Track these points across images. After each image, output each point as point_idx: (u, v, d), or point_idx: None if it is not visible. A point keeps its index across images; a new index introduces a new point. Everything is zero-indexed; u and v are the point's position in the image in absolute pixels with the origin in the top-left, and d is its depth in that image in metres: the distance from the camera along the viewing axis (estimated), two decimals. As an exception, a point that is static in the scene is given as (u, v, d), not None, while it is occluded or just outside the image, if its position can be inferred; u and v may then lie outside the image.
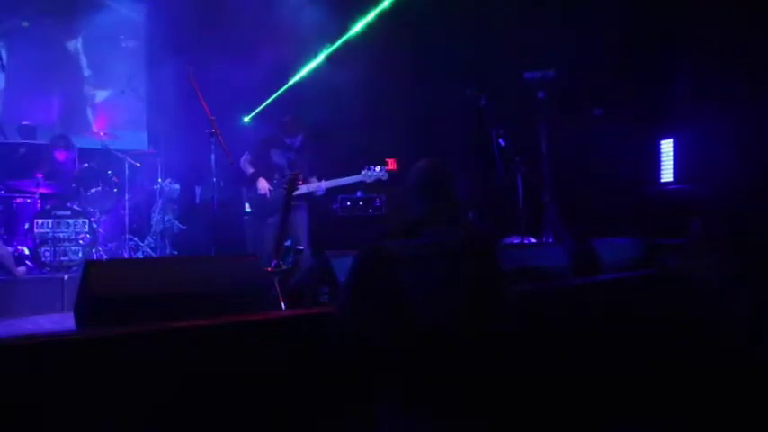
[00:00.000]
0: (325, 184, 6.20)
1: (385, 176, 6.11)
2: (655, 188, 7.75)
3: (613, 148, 7.65)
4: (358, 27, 7.87)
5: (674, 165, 7.61)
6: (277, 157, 6.36)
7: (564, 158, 7.34)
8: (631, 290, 5.03)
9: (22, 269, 6.41)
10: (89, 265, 3.50)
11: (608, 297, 4.87)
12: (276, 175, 6.30)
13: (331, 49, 8.11)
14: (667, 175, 7.69)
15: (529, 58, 7.32)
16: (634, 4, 7.15)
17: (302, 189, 6.03)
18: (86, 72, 8.92)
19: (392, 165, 7.94)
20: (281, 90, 8.54)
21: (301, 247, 4.99)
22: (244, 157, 6.40)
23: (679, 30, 7.09)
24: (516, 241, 6.83)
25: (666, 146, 7.71)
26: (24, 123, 7.50)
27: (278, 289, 4.41)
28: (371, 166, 6.10)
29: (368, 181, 6.12)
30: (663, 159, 7.73)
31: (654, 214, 7.24)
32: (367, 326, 2.41)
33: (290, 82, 8.50)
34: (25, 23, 8.34)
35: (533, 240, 6.90)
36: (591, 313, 4.54)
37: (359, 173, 6.10)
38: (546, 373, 4.13)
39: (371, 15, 7.82)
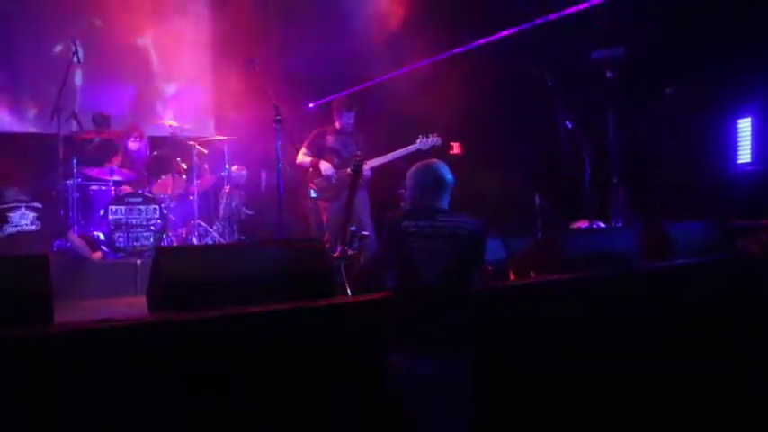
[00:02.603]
0: (392, 156, 6.30)
1: (439, 142, 6.30)
2: (731, 170, 7.45)
3: (686, 129, 7.38)
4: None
5: (753, 145, 7.29)
6: (331, 141, 6.46)
7: (634, 140, 7.13)
8: (703, 277, 4.87)
9: (97, 254, 6.64)
10: (160, 252, 3.59)
11: (678, 284, 4.73)
12: (334, 159, 6.36)
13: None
14: (745, 155, 7.38)
15: (598, 37, 7.12)
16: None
17: (372, 164, 6.20)
18: (157, 68, 9.16)
19: (457, 148, 7.89)
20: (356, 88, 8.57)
21: (366, 233, 4.99)
22: (301, 153, 6.47)
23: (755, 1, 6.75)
24: (584, 226, 6.68)
25: (744, 125, 7.38)
26: (99, 113, 7.73)
27: (343, 274, 4.43)
28: (424, 136, 6.25)
29: (424, 149, 6.23)
30: (740, 139, 7.41)
31: (730, 197, 6.97)
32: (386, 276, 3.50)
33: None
34: (98, 21, 8.62)
35: (602, 225, 6.73)
36: (658, 301, 4.41)
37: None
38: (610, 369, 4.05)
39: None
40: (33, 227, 6.36)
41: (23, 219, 6.32)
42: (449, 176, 3.28)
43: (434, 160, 3.38)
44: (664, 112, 7.46)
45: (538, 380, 3.82)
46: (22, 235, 6.28)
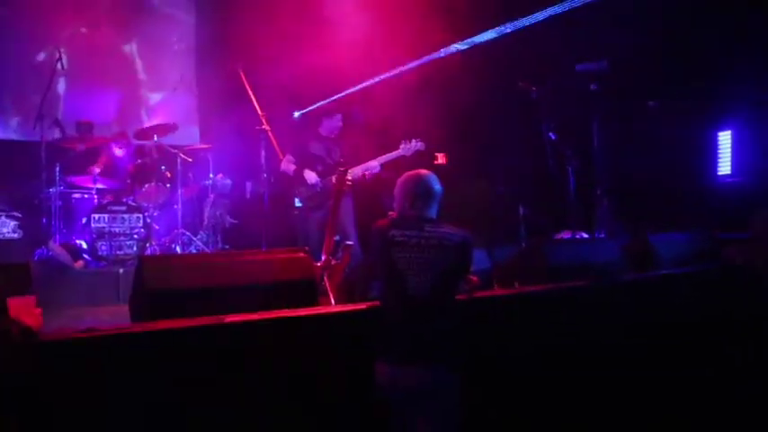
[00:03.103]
0: (377, 161, 6.28)
1: (422, 147, 6.32)
2: (712, 181, 7.52)
3: (668, 141, 7.45)
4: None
5: (732, 157, 7.37)
6: (315, 148, 6.43)
7: (617, 152, 7.18)
8: (689, 285, 4.91)
9: (80, 263, 6.58)
10: (143, 261, 3.57)
11: (663, 293, 4.76)
12: (318, 167, 6.34)
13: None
14: (725, 167, 7.46)
15: (581, 50, 7.18)
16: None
17: (357, 171, 6.15)
18: (142, 75, 9.14)
19: (442, 158, 7.91)
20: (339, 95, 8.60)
21: (351, 242, 4.99)
22: (285, 159, 6.42)
23: (737, 16, 6.84)
24: (567, 236, 6.71)
25: (724, 137, 7.47)
26: (82, 120, 7.68)
27: (327, 284, 4.43)
28: (407, 140, 6.28)
29: (407, 154, 6.26)
30: (720, 151, 7.49)
31: (711, 208, 7.04)
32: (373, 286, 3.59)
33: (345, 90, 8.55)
34: (83, 29, 8.60)
35: (585, 235, 6.77)
36: (644, 310, 4.44)
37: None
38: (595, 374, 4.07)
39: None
40: (15, 235, 6.31)
41: (4, 227, 6.28)
42: (437, 186, 3.31)
43: (424, 170, 3.40)
44: (647, 125, 7.53)
45: (524, 386, 3.84)
46: (2, 243, 6.23)
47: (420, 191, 3.27)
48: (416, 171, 3.39)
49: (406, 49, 8.14)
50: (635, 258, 5.24)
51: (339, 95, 8.46)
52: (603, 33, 7.19)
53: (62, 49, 7.15)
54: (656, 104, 7.55)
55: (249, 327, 3.13)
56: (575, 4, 7.14)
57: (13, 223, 6.31)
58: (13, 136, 8.28)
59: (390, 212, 3.48)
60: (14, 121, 8.34)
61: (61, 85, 8.42)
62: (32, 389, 2.48)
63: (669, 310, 4.47)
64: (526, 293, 4.28)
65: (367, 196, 6.88)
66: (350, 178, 5.66)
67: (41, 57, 8.34)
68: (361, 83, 8.57)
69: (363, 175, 6.26)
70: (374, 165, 6.31)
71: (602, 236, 6.77)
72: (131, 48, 9.04)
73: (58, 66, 7.00)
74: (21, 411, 2.43)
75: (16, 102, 8.32)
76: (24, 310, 2.50)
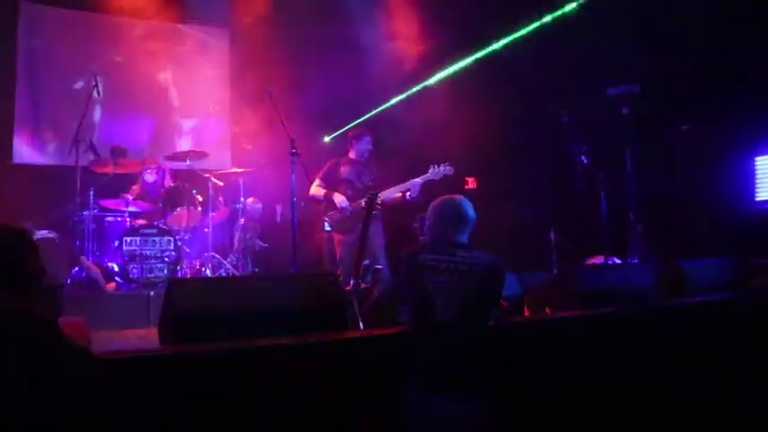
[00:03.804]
0: (415, 182, 6.19)
1: (451, 171, 6.23)
2: (750, 207, 7.37)
3: (703, 166, 7.33)
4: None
5: (772, 182, 7.22)
6: (345, 172, 6.38)
7: (650, 176, 7.08)
8: (722, 313, 4.80)
9: (111, 285, 6.65)
10: (172, 284, 3.59)
11: (696, 320, 4.66)
12: (348, 191, 6.30)
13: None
14: (764, 193, 7.30)
15: (613, 73, 7.13)
16: (724, 9, 6.83)
17: (395, 192, 6.13)
18: (176, 102, 9.29)
19: (472, 183, 7.88)
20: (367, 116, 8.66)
21: (380, 266, 4.97)
22: (314, 185, 6.29)
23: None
24: (600, 262, 6.61)
25: (763, 162, 7.33)
26: (116, 146, 7.80)
27: (356, 308, 4.40)
28: (437, 164, 6.21)
29: (436, 178, 6.18)
30: (758, 176, 7.34)
31: (748, 234, 6.88)
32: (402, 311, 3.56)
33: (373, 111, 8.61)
34: (118, 58, 8.80)
35: (618, 261, 6.66)
36: (678, 337, 4.35)
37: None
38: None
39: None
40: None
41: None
42: (471, 213, 3.26)
43: (458, 195, 3.36)
44: (681, 149, 7.43)
45: (554, 414, 3.76)
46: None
47: (453, 216, 3.23)
48: (450, 196, 3.35)
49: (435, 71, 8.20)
50: (668, 285, 5.14)
51: (368, 116, 8.51)
52: (637, 55, 7.14)
53: (98, 77, 7.32)
54: (691, 128, 7.45)
55: (278, 350, 3.12)
56: (607, 28, 7.10)
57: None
58: (51, 161, 8.45)
59: (422, 237, 3.45)
60: (51, 147, 8.52)
61: (97, 113, 8.61)
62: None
63: (699, 338, 4.36)
64: (557, 319, 4.22)
65: (396, 221, 6.86)
66: (380, 202, 5.67)
67: (79, 85, 8.54)
68: (390, 104, 8.63)
69: (402, 195, 6.22)
70: (402, 189, 6.27)
71: (636, 261, 6.66)
72: (166, 75, 9.20)
73: (94, 93, 7.15)
74: None
75: (54, 128, 8.51)
76: (76, 331, 2.48)
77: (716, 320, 4.62)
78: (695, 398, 4.24)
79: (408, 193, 6.18)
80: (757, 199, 7.37)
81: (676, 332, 4.37)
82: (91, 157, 7.24)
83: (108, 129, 8.64)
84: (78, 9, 8.73)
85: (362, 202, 5.35)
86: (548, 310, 4.48)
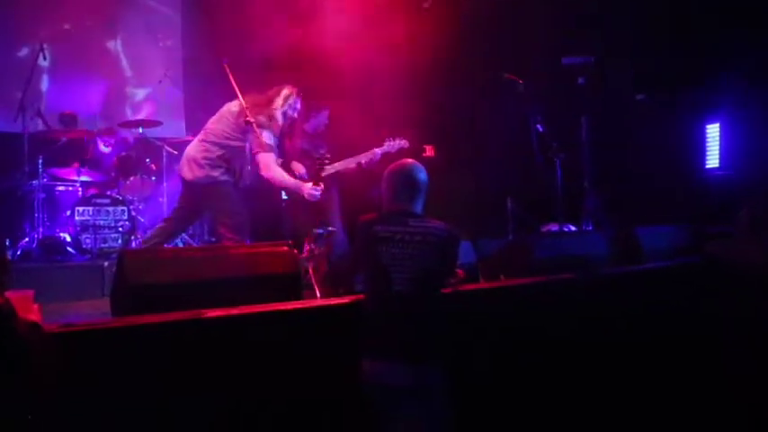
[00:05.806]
0: (353, 161, 6.18)
1: (406, 145, 6.25)
2: (700, 174, 7.53)
3: (656, 134, 7.44)
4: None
5: (720, 150, 7.37)
6: (301, 144, 6.31)
7: (605, 145, 7.17)
8: (674, 279, 4.90)
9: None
10: (124, 255, 3.52)
11: (649, 286, 4.76)
12: (306, 161, 6.24)
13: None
14: (713, 161, 7.46)
15: (568, 43, 7.16)
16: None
17: (351, 162, 6.13)
18: (127, 71, 9.04)
19: (430, 151, 7.88)
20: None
21: (333, 228, 4.95)
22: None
23: (723, 7, 6.83)
24: (555, 229, 6.70)
25: (713, 130, 7.47)
26: (66, 112, 7.59)
27: (312, 275, 4.39)
28: (392, 138, 6.24)
29: (392, 151, 6.18)
30: (708, 144, 7.49)
31: (699, 201, 7.04)
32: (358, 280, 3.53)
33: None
34: (67, 26, 8.51)
35: (572, 228, 6.76)
36: (631, 303, 4.44)
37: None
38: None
39: None
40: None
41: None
42: (422, 176, 3.23)
43: (409, 160, 3.34)
44: (634, 118, 7.52)
45: (510, 382, 3.82)
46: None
47: (404, 181, 3.21)
48: (401, 161, 3.34)
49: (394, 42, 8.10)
50: (621, 251, 5.23)
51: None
52: (591, 26, 7.18)
53: (45, 45, 7.09)
54: (644, 97, 7.55)
55: (230, 321, 3.09)
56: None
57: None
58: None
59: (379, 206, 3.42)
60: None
61: (44, 81, 8.33)
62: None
63: (651, 304, 4.46)
64: (511, 287, 4.27)
65: (356, 191, 6.83)
66: (333, 171, 5.66)
67: (24, 52, 8.22)
68: (347, 77, 8.51)
69: (357, 165, 6.17)
70: (353, 162, 6.20)
71: (590, 228, 6.77)
72: (116, 44, 8.94)
73: (40, 59, 6.93)
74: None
75: (-2, 96, 8.22)
76: (23, 305, 2.38)
77: (668, 286, 4.72)
78: (647, 364, 4.35)
79: (365, 162, 6.17)
80: (707, 166, 7.53)
81: (629, 298, 4.46)
82: (39, 125, 7.04)
83: (56, 96, 8.33)
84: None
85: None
86: (502, 277, 4.53)
